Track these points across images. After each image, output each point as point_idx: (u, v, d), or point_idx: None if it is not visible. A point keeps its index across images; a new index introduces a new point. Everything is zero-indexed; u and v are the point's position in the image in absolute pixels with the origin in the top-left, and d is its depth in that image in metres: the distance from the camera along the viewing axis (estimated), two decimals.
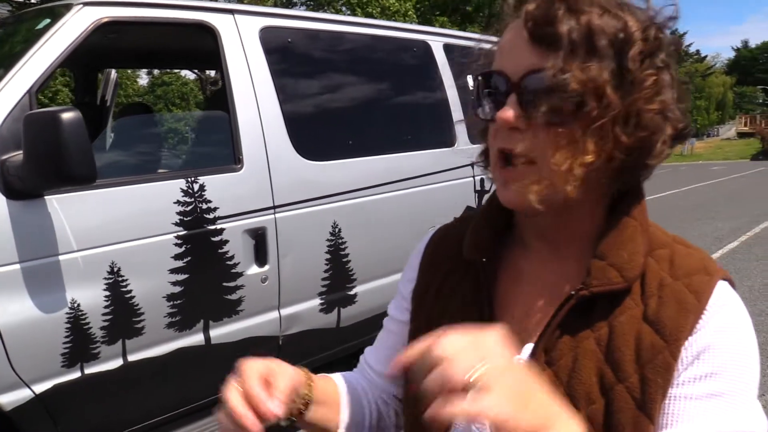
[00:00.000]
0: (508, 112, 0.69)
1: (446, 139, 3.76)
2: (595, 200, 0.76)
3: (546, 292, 0.78)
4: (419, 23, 18.71)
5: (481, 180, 3.91)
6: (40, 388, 2.14)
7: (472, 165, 3.85)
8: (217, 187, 2.56)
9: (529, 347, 0.75)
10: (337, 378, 0.96)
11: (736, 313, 0.72)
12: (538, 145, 0.69)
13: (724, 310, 0.71)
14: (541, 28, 0.67)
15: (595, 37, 0.66)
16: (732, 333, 0.70)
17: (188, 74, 40.80)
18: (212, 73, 19.09)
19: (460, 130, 3.80)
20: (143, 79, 37.96)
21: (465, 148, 3.81)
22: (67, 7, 2.34)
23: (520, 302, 0.80)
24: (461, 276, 0.85)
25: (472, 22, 27.60)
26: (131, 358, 2.35)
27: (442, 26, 22.46)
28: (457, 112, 3.81)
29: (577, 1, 0.68)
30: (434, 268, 0.90)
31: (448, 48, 3.88)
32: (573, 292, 0.72)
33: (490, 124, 0.76)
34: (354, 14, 18.40)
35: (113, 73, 4.25)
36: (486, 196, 3.94)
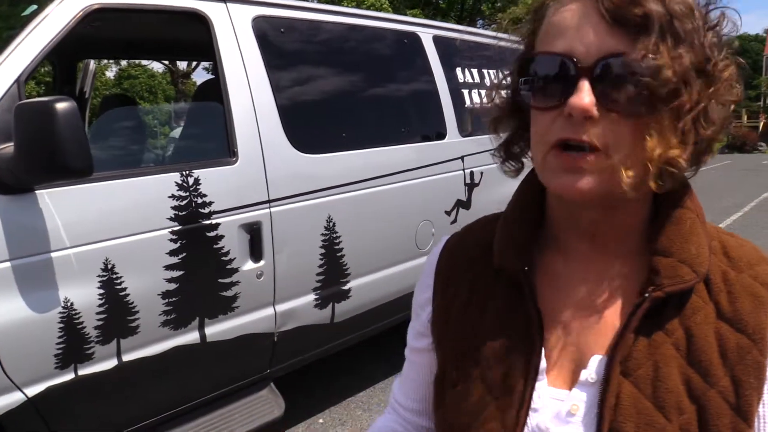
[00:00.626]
0: (585, 99, 0.62)
1: (437, 132, 3.73)
2: (643, 194, 0.69)
3: (599, 296, 0.72)
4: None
5: (471, 173, 3.89)
6: (33, 391, 2.05)
7: (462, 158, 3.85)
8: (212, 180, 2.48)
9: (596, 359, 0.69)
10: None
11: None
12: (616, 135, 0.63)
13: None
14: (625, 8, 0.62)
15: (679, 22, 0.62)
16: None
17: (156, 66, 40.13)
18: (183, 65, 18.81)
19: (450, 123, 3.78)
20: (111, 71, 37.14)
21: (455, 141, 3.79)
22: None
23: (567, 310, 0.73)
24: (491, 287, 0.77)
25: (444, 15, 27.61)
26: (126, 357, 2.27)
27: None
28: (447, 105, 3.78)
29: None
30: (454, 283, 0.81)
31: (437, 39, 3.84)
32: (646, 294, 0.66)
33: (539, 111, 0.68)
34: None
35: (92, 63, 4.12)
36: (476, 190, 3.92)
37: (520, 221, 0.77)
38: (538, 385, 0.70)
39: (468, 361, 0.75)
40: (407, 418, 0.90)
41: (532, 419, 0.69)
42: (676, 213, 0.70)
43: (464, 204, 3.86)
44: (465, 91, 3.99)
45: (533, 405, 0.69)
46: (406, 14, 23.44)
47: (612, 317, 0.70)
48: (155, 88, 43.52)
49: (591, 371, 0.68)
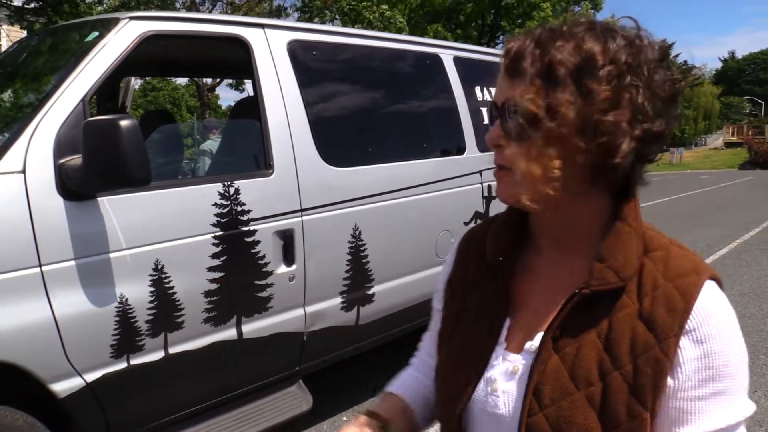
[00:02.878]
0: (492, 132, 0.86)
1: (457, 148, 3.94)
2: (592, 202, 0.86)
3: (556, 288, 0.88)
4: (409, 32, 18.91)
5: (488, 186, 4.09)
6: (91, 377, 2.29)
7: (480, 172, 4.05)
8: (251, 190, 2.72)
9: (539, 336, 0.86)
10: (401, 388, 1.10)
11: (725, 315, 0.81)
12: (513, 156, 0.83)
13: (714, 314, 0.80)
14: (512, 63, 0.82)
15: (555, 68, 0.79)
16: (725, 336, 0.79)
17: (180, 80, 40.81)
18: (208, 80, 19.27)
19: (470, 139, 3.99)
20: (136, 83, 37.85)
21: (474, 156, 4.00)
22: (115, 21, 2.50)
23: (534, 297, 0.91)
24: (483, 275, 0.97)
25: (464, 29, 27.91)
26: (172, 350, 2.51)
27: (435, 34, 22.72)
28: (466, 121, 4.00)
29: (547, 39, 0.80)
30: (464, 264, 1.03)
31: (457, 60, 4.07)
32: (577, 290, 0.83)
33: None
34: (348, 23, 18.59)
35: (133, 80, 4.40)
36: (493, 202, 4.11)
37: (504, 224, 0.97)
38: (497, 347, 0.90)
39: (457, 324, 0.98)
40: (428, 364, 1.08)
41: (488, 372, 0.90)
42: (616, 226, 0.85)
43: (482, 215, 4.06)
44: (483, 109, 4.20)
45: (491, 362, 0.89)
46: (426, 29, 23.78)
47: (558, 305, 0.86)
48: (179, 100, 44.33)
49: (534, 343, 0.87)
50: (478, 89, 4.22)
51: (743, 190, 18.45)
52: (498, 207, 4.12)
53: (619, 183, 0.85)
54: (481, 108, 4.18)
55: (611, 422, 0.79)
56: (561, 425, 0.81)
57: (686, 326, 0.79)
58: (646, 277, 0.83)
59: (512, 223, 0.97)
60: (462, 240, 1.08)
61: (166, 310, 2.46)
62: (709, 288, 0.82)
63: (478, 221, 4.02)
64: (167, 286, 2.45)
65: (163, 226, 2.45)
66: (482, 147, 4.05)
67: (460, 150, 3.95)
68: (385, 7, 20.05)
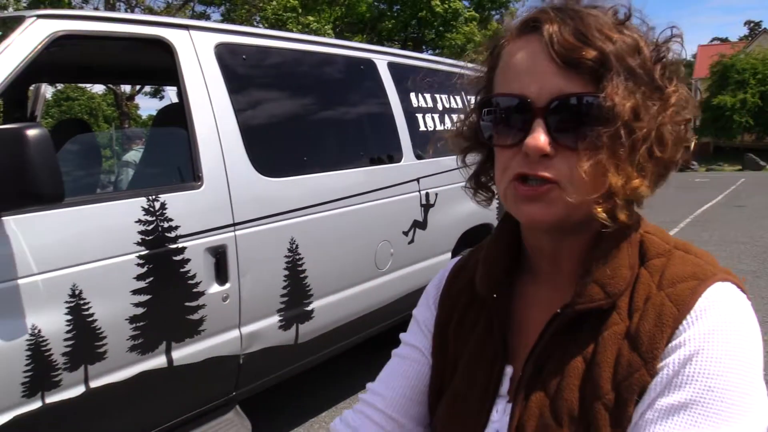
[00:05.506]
0: (540, 139, 0.67)
1: (393, 155, 3.83)
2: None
3: (547, 311, 0.76)
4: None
5: (426, 194, 4.00)
6: (1, 420, 2.02)
7: (417, 180, 3.96)
8: (178, 205, 2.50)
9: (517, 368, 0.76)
10: None
11: (727, 326, 0.66)
12: (571, 170, 0.67)
13: (712, 322, 0.66)
14: (574, 52, 0.66)
15: (628, 59, 0.66)
16: (720, 349, 0.64)
17: (96, 89, 39.23)
18: (127, 88, 18.48)
19: (406, 147, 3.89)
20: (48, 92, 36.08)
21: (411, 163, 3.91)
22: (19, 20, 2.24)
23: (531, 327, 0.78)
24: (477, 311, 0.84)
25: (388, 40, 28.03)
26: (93, 384, 2.26)
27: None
28: (403, 128, 3.90)
29: (601, 25, 0.67)
30: (452, 302, 0.89)
31: (392, 66, 3.97)
32: (559, 311, 0.72)
33: (500, 148, 0.74)
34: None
35: (43, 86, 4.06)
36: (431, 210, 4.03)
37: (495, 255, 0.82)
38: (498, 400, 0.78)
39: (456, 377, 0.83)
40: (384, 411, 0.89)
41: (488, 429, 0.77)
42: (605, 236, 0.72)
43: (421, 224, 3.96)
44: (419, 116, 4.12)
45: (492, 418, 0.77)
46: (351, 39, 23.78)
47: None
48: (95, 110, 42.53)
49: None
50: (413, 95, 4.14)
51: (658, 192, 19.30)
52: (437, 215, 4.08)
53: None
54: (416, 114, 4.10)
55: None
56: None
57: (674, 340, 0.65)
58: (640, 290, 0.70)
59: (507, 254, 0.83)
60: (449, 275, 0.92)
61: (85, 340, 2.21)
62: (714, 294, 0.67)
63: (417, 230, 3.93)
64: (86, 313, 2.21)
65: (81, 246, 2.20)
66: (419, 154, 3.96)
67: (397, 158, 3.85)
68: (311, 18, 19.89)
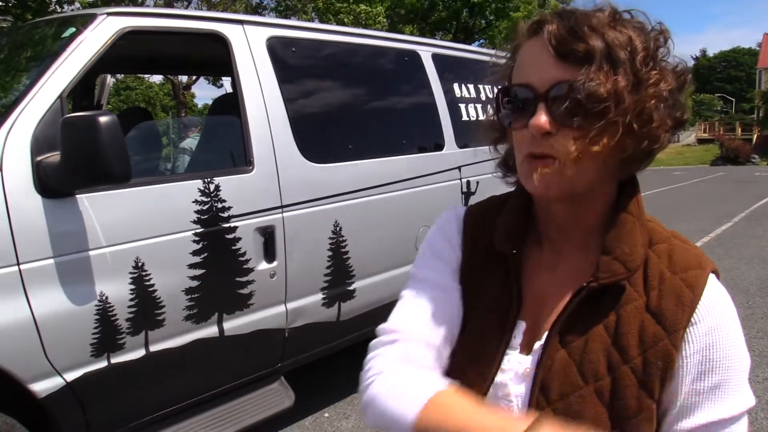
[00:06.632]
0: (542, 119, 0.78)
1: (436, 144, 3.97)
2: (602, 193, 0.86)
3: (563, 282, 0.87)
4: (389, 30, 18.99)
5: (468, 182, 4.12)
6: (71, 376, 2.26)
7: (459, 168, 4.08)
8: (231, 187, 2.71)
9: (546, 333, 0.85)
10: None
11: (727, 308, 0.82)
12: (567, 145, 0.79)
13: (717, 306, 0.81)
14: (567, 44, 0.77)
15: (615, 51, 0.77)
16: (726, 328, 0.81)
17: (153, 79, 40.39)
18: (184, 78, 19.09)
19: (448, 136, 4.02)
20: (111, 81, 37.36)
21: (453, 152, 4.03)
22: (92, 17, 2.48)
23: (542, 293, 0.89)
24: (493, 264, 0.93)
25: (439, 30, 28.00)
26: (152, 348, 2.49)
27: (411, 35, 22.77)
28: (445, 118, 4.02)
29: (595, 22, 0.78)
30: (477, 250, 0.95)
31: (436, 57, 4.09)
32: (585, 284, 0.82)
33: (515, 130, 0.85)
34: (326, 21, 18.56)
35: (109, 77, 4.35)
36: (471, 198, 4.15)
37: (516, 214, 0.93)
38: (509, 351, 0.87)
39: (468, 322, 0.93)
40: (427, 343, 0.90)
41: (498, 377, 0.86)
42: (621, 217, 0.85)
43: None
44: (462, 105, 4.23)
45: (502, 366, 0.87)
46: (402, 30, 23.85)
47: (564, 299, 0.86)
48: (153, 99, 43.85)
49: (541, 342, 0.86)
50: (456, 86, 4.25)
51: (715, 185, 18.79)
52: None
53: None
54: (459, 105, 4.21)
55: (621, 415, 0.80)
56: (570, 420, 0.79)
57: (693, 318, 0.80)
58: (651, 270, 0.84)
59: (524, 212, 0.93)
60: (470, 219, 0.99)
61: (146, 308, 2.44)
62: (713, 281, 0.83)
63: None
64: (147, 283, 2.44)
65: (143, 223, 2.43)
66: (461, 143, 4.08)
67: (439, 146, 3.98)
68: (364, 7, 20.05)
